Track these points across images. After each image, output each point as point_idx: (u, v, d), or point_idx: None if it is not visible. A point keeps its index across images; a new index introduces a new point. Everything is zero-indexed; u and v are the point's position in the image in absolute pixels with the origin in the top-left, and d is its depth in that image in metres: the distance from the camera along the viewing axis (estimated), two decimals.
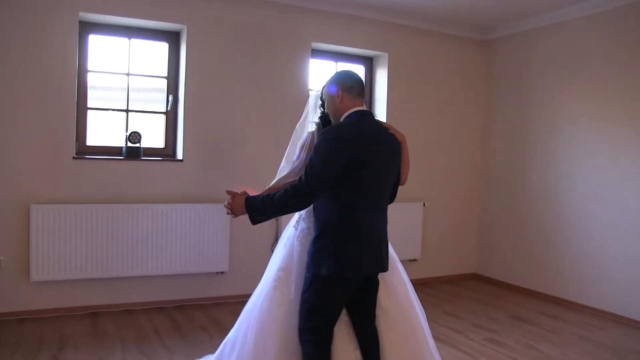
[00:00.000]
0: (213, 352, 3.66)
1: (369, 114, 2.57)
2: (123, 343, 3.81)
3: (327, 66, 5.46)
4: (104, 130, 4.66)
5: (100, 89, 4.64)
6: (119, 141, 4.68)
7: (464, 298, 5.26)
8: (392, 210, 5.52)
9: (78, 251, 4.29)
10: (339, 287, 2.48)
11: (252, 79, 4.89)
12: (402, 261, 2.94)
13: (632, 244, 4.60)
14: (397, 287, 2.77)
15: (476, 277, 6.10)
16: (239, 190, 2.58)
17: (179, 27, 4.67)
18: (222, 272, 4.80)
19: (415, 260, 5.61)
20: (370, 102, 5.65)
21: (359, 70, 5.62)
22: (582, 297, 4.98)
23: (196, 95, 4.69)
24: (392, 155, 2.56)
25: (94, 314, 4.39)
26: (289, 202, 2.43)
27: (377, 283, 2.63)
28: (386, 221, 2.62)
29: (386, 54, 5.47)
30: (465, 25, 5.76)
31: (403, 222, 5.44)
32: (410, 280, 2.90)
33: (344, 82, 2.56)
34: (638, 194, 4.57)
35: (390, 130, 2.60)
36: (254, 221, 2.54)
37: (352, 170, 2.38)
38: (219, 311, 4.62)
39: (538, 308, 5.00)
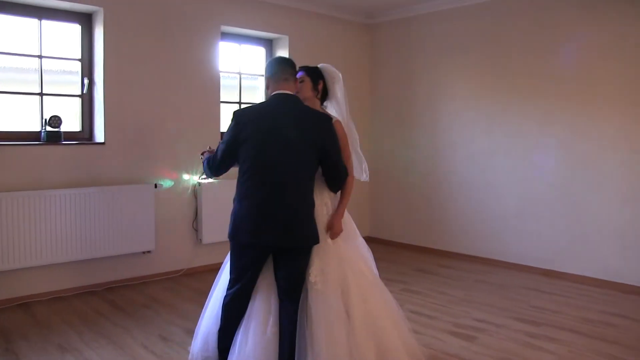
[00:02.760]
0: (167, 327, 3.87)
1: (281, 97, 2.76)
2: (73, 328, 3.84)
3: (232, 48, 5.68)
4: (12, 115, 4.46)
5: (7, 70, 4.42)
6: (32, 126, 4.52)
7: None
8: None
9: (2, 241, 4.13)
10: (236, 250, 2.77)
11: (167, 61, 4.97)
12: None
13: (503, 199, 5.58)
14: (334, 265, 2.84)
15: (371, 240, 6.78)
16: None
17: (93, 8, 4.59)
18: (149, 252, 4.91)
19: None
20: None
21: (259, 52, 5.93)
22: (467, 248, 5.90)
23: (116, 77, 4.67)
24: (298, 133, 2.67)
25: (23, 305, 4.27)
26: (206, 169, 2.93)
27: (291, 259, 2.73)
28: (297, 197, 2.68)
29: (287, 37, 5.83)
30: (353, 10, 6.31)
31: None
32: None
33: (268, 70, 2.86)
34: (506, 158, 5.54)
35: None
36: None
37: (240, 146, 2.67)
38: (151, 289, 4.74)
39: (433, 261, 5.84)
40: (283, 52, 5.89)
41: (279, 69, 2.82)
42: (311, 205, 2.78)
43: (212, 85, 5.30)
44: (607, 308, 4.36)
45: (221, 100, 5.42)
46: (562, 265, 5.19)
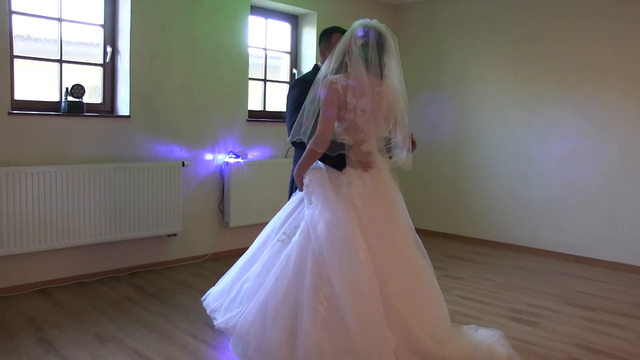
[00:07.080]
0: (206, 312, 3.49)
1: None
2: (106, 316, 3.49)
3: (258, 23, 5.36)
4: (31, 83, 4.06)
5: (24, 39, 4.00)
6: (50, 96, 4.13)
7: None
8: None
9: (18, 221, 3.73)
10: None
11: (196, 31, 4.62)
12: None
13: (535, 186, 5.42)
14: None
15: None
16: None
17: None
18: (175, 234, 4.56)
19: None
20: (297, 58, 5.69)
21: (285, 28, 5.63)
22: (497, 236, 5.72)
23: (142, 46, 4.30)
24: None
25: (43, 291, 3.89)
26: None
27: None
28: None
29: (315, 13, 5.54)
30: None
31: None
32: None
33: None
34: (538, 144, 5.37)
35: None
36: None
37: None
38: (178, 274, 4.42)
39: (464, 248, 5.65)
40: (310, 29, 5.59)
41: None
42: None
43: (240, 60, 4.97)
44: None
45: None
46: (598, 252, 5.06)
